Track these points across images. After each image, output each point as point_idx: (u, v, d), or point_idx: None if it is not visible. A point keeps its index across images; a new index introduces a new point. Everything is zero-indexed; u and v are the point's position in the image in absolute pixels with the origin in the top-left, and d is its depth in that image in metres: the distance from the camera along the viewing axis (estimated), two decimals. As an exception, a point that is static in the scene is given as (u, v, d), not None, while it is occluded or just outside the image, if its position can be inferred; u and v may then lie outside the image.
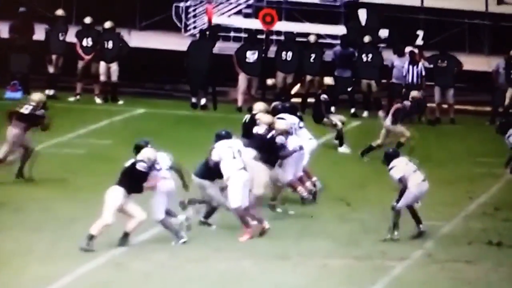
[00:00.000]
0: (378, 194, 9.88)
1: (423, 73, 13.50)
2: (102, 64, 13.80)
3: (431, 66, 13.83)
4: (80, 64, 13.96)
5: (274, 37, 15.24)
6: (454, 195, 9.95)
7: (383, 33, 14.88)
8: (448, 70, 13.66)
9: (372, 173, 10.65)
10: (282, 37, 14.88)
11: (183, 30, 16.15)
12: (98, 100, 14.04)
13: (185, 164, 10.77)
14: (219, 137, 8.64)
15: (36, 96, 9.87)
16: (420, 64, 13.53)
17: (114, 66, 13.75)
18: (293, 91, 13.01)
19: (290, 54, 13.81)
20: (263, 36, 14.46)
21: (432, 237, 8.75)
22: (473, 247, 8.55)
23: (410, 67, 13.50)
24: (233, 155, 8.47)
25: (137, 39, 14.59)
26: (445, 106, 13.73)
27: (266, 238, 8.56)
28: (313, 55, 13.96)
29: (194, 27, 15.46)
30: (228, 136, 8.64)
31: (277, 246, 8.38)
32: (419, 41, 14.09)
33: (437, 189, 10.02)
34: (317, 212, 9.35)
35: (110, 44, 13.68)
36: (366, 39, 14.03)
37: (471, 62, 14.29)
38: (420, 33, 14.11)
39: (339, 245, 8.47)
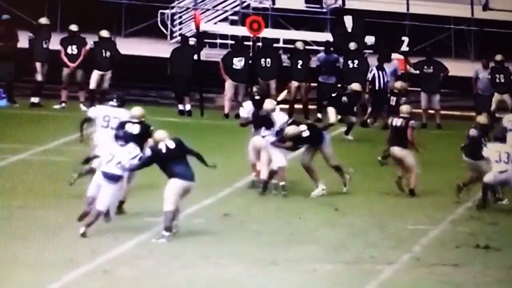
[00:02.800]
0: (366, 199, 9.97)
1: (387, 78, 13.45)
2: (96, 73, 13.80)
3: (417, 72, 13.95)
4: (65, 71, 13.96)
5: (260, 44, 15.32)
6: (441, 200, 10.03)
7: (369, 39, 15.00)
8: (434, 76, 13.74)
9: (360, 178, 10.73)
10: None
11: (168, 37, 16.22)
12: (83, 108, 14.05)
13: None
14: None
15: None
16: (387, 69, 13.54)
17: (109, 74, 13.79)
18: (279, 98, 13.12)
19: (269, 60, 13.88)
20: (250, 43, 14.55)
21: (420, 241, 8.84)
22: (461, 250, 8.65)
23: (380, 72, 13.54)
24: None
25: (122, 46, 14.64)
26: (431, 111, 13.81)
27: (255, 243, 8.61)
28: (300, 62, 14.01)
29: (180, 34, 15.52)
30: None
31: (265, 252, 8.43)
32: (404, 47, 14.23)
33: (425, 194, 10.16)
34: (305, 217, 9.42)
35: (107, 53, 13.69)
36: (352, 45, 14.13)
37: (457, 68, 14.45)
38: (405, 39, 14.25)
39: (327, 250, 8.54)
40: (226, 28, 16.02)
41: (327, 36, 15.23)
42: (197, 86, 13.99)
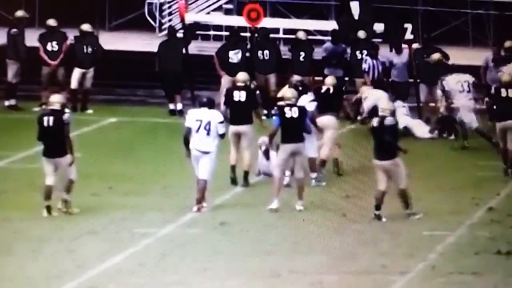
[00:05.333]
0: (377, 203, 10.10)
1: (380, 68, 13.41)
2: (77, 71, 13.87)
3: (416, 61, 13.63)
4: (45, 70, 14.03)
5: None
6: (458, 203, 10.12)
7: (378, 27, 15.05)
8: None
9: (369, 181, 10.85)
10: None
11: (157, 29, 16.33)
12: (66, 110, 14.16)
13: (164, 176, 11.00)
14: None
15: None
16: (380, 58, 13.51)
17: (91, 72, 13.86)
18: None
19: (267, 52, 13.88)
20: (247, 34, 14.60)
21: (436, 248, 8.94)
22: (481, 257, 8.74)
23: (374, 61, 13.44)
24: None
25: (106, 41, 14.75)
26: (432, 104, 13.55)
27: (255, 254, 8.73)
28: (302, 54, 14.02)
29: (169, 26, 15.63)
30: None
31: (267, 262, 8.54)
32: (408, 35, 14.22)
33: (440, 197, 10.27)
34: (310, 224, 9.54)
35: (89, 49, 13.78)
36: (361, 34, 14.06)
37: (475, 57, 14.46)
38: (409, 26, 14.25)
39: (334, 259, 8.64)
40: (220, 18, 16.11)
41: (331, 25, 15.32)
42: (189, 83, 14.11)
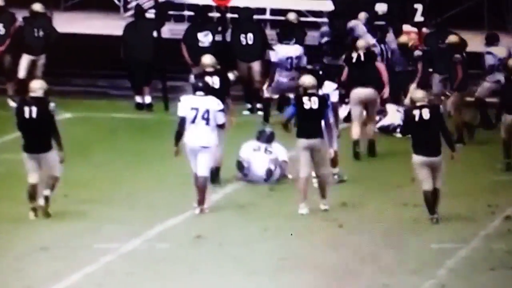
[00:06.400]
0: (378, 212, 10.07)
1: (389, 54, 13.36)
2: (26, 58, 13.86)
3: (428, 48, 13.59)
4: (-11, 58, 14.10)
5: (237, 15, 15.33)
6: (472, 211, 10.17)
7: (381, 7, 15.11)
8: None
9: (370, 186, 10.93)
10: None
11: (122, 9, 16.35)
12: (12, 103, 14.15)
13: (128, 182, 11.01)
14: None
15: None
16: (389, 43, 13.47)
17: (42, 59, 13.84)
18: (267, 84, 13.25)
19: (250, 36, 13.81)
20: (233, 15, 14.52)
21: (446, 263, 8.96)
22: (497, 273, 8.79)
23: (382, 46, 13.37)
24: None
25: (61, 23, 14.75)
26: (443, 97, 13.42)
27: (237, 273, 8.70)
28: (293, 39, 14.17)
29: (136, 5, 15.63)
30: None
31: (250, 283, 8.52)
32: (419, 17, 14.25)
33: (451, 204, 10.29)
34: (300, 237, 9.53)
35: (40, 32, 13.73)
36: (362, 16, 14.07)
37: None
38: (419, 7, 14.27)
39: (329, 278, 8.64)
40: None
41: (326, 5, 15.37)
42: (159, 72, 14.11)
